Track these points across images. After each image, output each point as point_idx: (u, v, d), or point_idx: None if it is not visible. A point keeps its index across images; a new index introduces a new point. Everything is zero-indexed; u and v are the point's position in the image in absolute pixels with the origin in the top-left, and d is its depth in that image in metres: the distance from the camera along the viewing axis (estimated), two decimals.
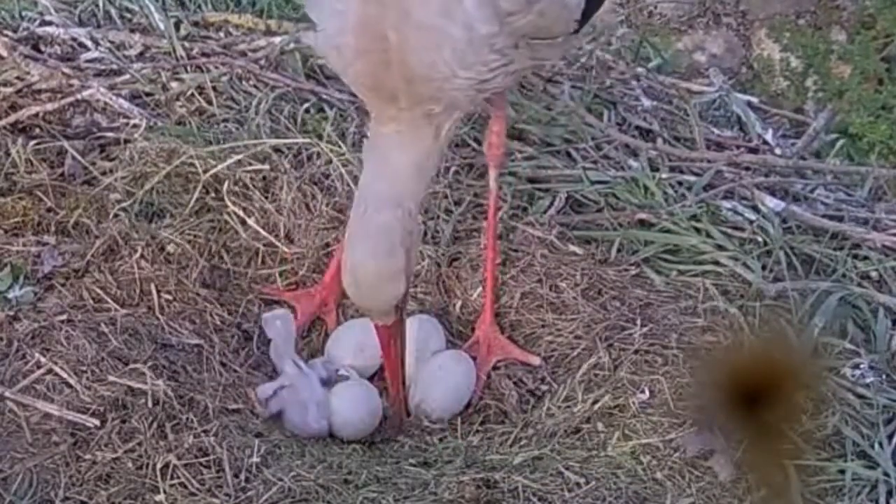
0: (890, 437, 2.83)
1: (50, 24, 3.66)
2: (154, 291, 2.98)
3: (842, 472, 2.74)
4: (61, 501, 2.63)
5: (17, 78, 3.46)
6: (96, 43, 3.61)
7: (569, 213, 3.25)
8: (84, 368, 2.79)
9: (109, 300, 2.94)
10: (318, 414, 2.90)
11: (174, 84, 3.48)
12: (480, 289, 3.07)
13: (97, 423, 2.70)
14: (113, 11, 3.73)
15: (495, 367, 3.00)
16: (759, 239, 3.21)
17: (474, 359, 2.99)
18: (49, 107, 3.38)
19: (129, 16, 3.73)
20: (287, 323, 2.98)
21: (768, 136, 3.72)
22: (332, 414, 2.91)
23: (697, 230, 3.20)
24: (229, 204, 3.13)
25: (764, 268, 3.12)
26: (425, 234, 3.14)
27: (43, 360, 2.80)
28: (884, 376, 2.94)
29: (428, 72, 2.60)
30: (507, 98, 3.12)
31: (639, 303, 3.01)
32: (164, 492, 2.63)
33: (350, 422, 2.92)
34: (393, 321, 2.81)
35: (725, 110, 3.82)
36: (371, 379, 3.03)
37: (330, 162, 3.21)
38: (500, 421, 2.93)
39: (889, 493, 2.74)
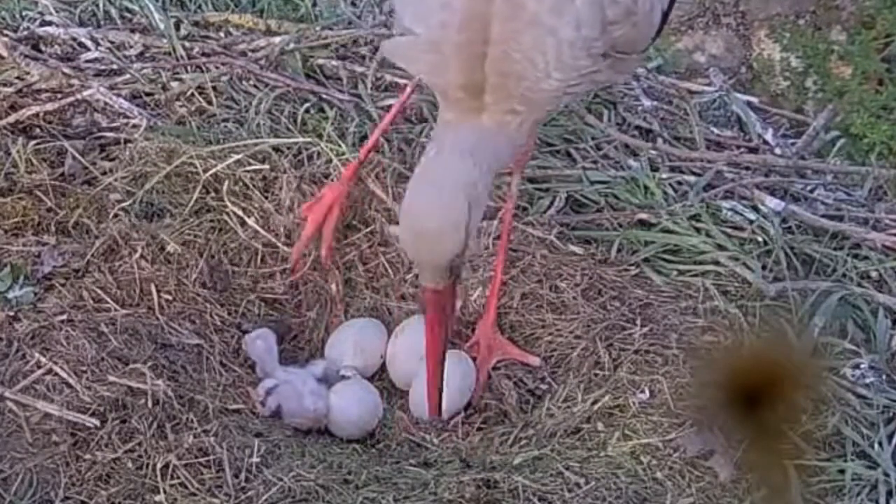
0: (890, 437, 2.83)
1: (50, 24, 3.66)
2: (154, 291, 2.98)
3: (842, 472, 2.74)
4: (61, 501, 2.63)
5: (17, 78, 3.46)
6: (96, 43, 3.61)
7: (569, 213, 3.25)
8: (84, 368, 2.79)
9: (109, 300, 2.94)
10: (314, 398, 2.90)
11: (174, 84, 3.48)
12: (481, 289, 3.07)
13: (97, 423, 2.70)
14: (113, 11, 3.73)
15: (495, 367, 2.99)
16: (759, 239, 3.21)
17: (474, 359, 2.99)
18: (49, 107, 3.38)
19: (129, 16, 3.73)
20: (268, 340, 2.99)
21: (768, 136, 3.72)
22: (332, 413, 2.91)
23: (697, 230, 3.20)
24: (229, 204, 3.13)
25: (764, 268, 3.12)
26: None
27: (43, 360, 2.80)
28: (884, 376, 2.94)
29: (524, 69, 2.60)
30: None
31: (639, 303, 3.01)
32: (164, 492, 2.63)
33: (350, 421, 2.92)
34: (444, 286, 2.67)
35: (725, 110, 3.82)
36: (371, 379, 3.03)
37: (330, 161, 3.21)
38: (500, 421, 2.93)
39: (889, 493, 2.74)
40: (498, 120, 2.66)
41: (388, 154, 3.21)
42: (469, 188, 2.61)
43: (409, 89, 3.15)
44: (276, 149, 3.23)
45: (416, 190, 2.65)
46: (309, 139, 3.27)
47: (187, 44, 3.62)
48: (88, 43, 3.61)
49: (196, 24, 3.74)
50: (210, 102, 3.43)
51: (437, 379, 2.83)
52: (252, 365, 2.98)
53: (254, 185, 3.16)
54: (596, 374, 2.89)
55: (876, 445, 2.79)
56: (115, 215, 3.10)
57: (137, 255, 3.01)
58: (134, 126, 3.33)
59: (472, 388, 2.98)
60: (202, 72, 3.52)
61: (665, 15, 2.79)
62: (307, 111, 3.40)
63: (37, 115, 3.36)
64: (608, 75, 2.73)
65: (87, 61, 3.57)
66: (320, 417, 2.91)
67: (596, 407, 2.83)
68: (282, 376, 2.93)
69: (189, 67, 3.55)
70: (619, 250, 3.14)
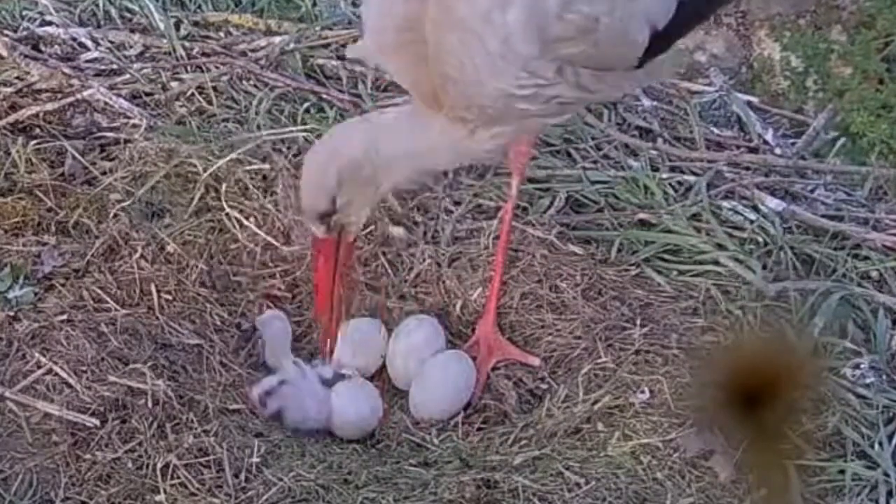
0: (890, 437, 2.83)
1: (50, 24, 3.66)
2: (154, 291, 2.98)
3: (842, 472, 2.73)
4: (61, 501, 2.63)
5: (17, 78, 3.46)
6: (96, 43, 3.61)
7: (569, 213, 3.25)
8: (84, 368, 2.79)
9: (109, 300, 2.94)
10: (317, 408, 2.90)
11: (174, 84, 3.48)
12: (481, 289, 3.07)
13: (97, 423, 2.71)
14: (113, 11, 3.73)
15: (495, 368, 2.99)
16: (759, 239, 3.21)
17: (474, 359, 2.99)
18: (49, 107, 3.38)
19: (129, 16, 3.73)
20: (284, 323, 2.99)
21: (768, 136, 3.72)
22: (332, 413, 2.91)
23: (697, 230, 3.20)
24: (228, 204, 3.13)
25: (764, 268, 3.12)
26: (425, 233, 3.14)
27: (43, 360, 2.80)
28: (884, 376, 2.94)
29: (457, 74, 2.58)
30: None
31: (639, 303, 3.01)
32: (164, 492, 2.63)
33: (351, 421, 2.92)
34: (324, 237, 2.74)
35: (725, 110, 3.82)
36: (371, 379, 3.03)
37: None
38: (500, 421, 2.93)
39: (889, 493, 2.74)
40: (449, 125, 2.66)
41: None
42: (349, 167, 2.67)
43: None
44: (276, 148, 3.24)
45: (319, 141, 2.80)
46: (309, 128, 3.27)
47: (187, 44, 3.62)
48: (88, 43, 3.61)
49: (196, 24, 3.74)
50: (210, 102, 3.43)
51: (326, 321, 2.82)
52: (253, 364, 2.98)
53: (254, 186, 3.16)
54: (596, 375, 2.89)
55: (876, 445, 2.79)
56: (115, 215, 3.10)
57: (137, 255, 3.01)
58: (134, 126, 3.33)
59: (471, 388, 2.97)
60: (202, 72, 3.52)
61: (664, 35, 2.65)
62: (307, 111, 3.40)
63: (37, 115, 3.36)
64: (575, 93, 2.63)
65: (87, 61, 3.57)
66: (322, 426, 2.90)
67: (596, 407, 2.83)
68: (289, 369, 2.92)
69: (189, 67, 3.55)
70: (619, 250, 3.14)
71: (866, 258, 3.24)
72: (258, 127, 3.32)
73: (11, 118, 3.34)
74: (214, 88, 3.45)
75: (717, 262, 3.12)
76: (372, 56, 2.79)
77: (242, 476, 2.67)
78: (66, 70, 3.48)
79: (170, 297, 2.99)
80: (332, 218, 2.71)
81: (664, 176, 3.38)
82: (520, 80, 2.57)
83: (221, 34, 3.73)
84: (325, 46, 3.64)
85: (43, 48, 3.61)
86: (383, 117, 2.79)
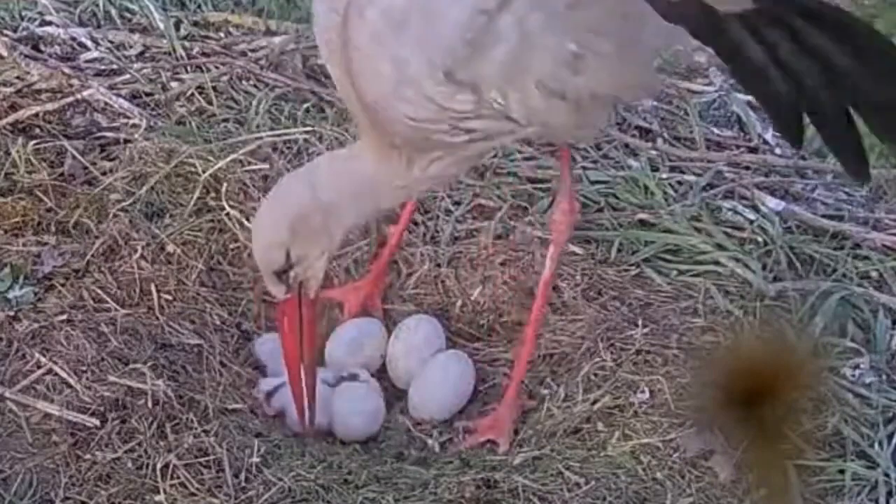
0: (890, 437, 2.82)
1: (50, 24, 3.66)
2: (154, 291, 2.98)
3: (842, 472, 2.74)
4: (61, 501, 2.63)
5: (17, 78, 3.46)
6: (96, 43, 3.61)
7: None
8: (84, 368, 2.79)
9: (109, 300, 2.94)
10: (320, 409, 2.89)
11: (174, 84, 3.48)
12: (480, 287, 3.07)
13: (97, 423, 2.71)
14: (113, 11, 3.73)
15: (494, 366, 3.00)
16: (759, 239, 3.21)
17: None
18: (49, 107, 3.38)
19: (129, 16, 3.73)
20: (278, 343, 2.98)
21: (768, 136, 3.71)
22: (334, 415, 2.91)
23: (697, 230, 3.20)
24: (228, 204, 3.13)
25: (764, 268, 3.12)
26: (424, 234, 3.14)
27: (43, 360, 2.80)
28: (884, 376, 2.94)
29: (372, 79, 2.42)
30: (570, 167, 2.86)
31: (639, 303, 3.01)
32: (164, 492, 2.63)
33: (351, 425, 2.91)
34: (285, 298, 2.68)
35: (725, 110, 3.82)
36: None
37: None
38: None
39: (889, 493, 2.74)
40: (384, 157, 2.54)
41: None
42: (298, 218, 2.59)
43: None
44: (276, 148, 3.24)
45: (266, 198, 2.72)
46: (309, 128, 3.27)
47: (187, 44, 3.62)
48: (88, 43, 3.61)
49: (196, 24, 3.74)
50: (210, 102, 3.43)
51: (297, 387, 2.76)
52: (253, 364, 2.98)
53: (254, 186, 3.16)
54: (596, 374, 2.89)
55: (876, 445, 2.79)
56: (115, 215, 3.10)
57: (137, 255, 3.01)
58: (134, 126, 3.33)
59: (471, 389, 2.97)
60: (202, 72, 3.52)
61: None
62: (307, 111, 3.40)
63: (37, 115, 3.36)
64: (507, 126, 2.43)
65: (87, 61, 3.57)
66: (323, 429, 2.89)
67: (596, 407, 2.83)
68: None
69: (189, 67, 3.55)
70: (619, 250, 3.14)
71: (866, 258, 3.24)
72: (258, 127, 3.32)
73: (11, 118, 3.34)
74: (214, 88, 3.46)
75: (717, 262, 3.12)
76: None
77: (242, 476, 2.67)
78: (66, 70, 3.48)
79: (170, 297, 2.99)
80: (290, 273, 2.64)
81: (664, 176, 3.38)
82: (426, 110, 2.38)
83: (221, 34, 3.73)
84: None
85: (43, 48, 3.61)
86: (319, 161, 2.70)
